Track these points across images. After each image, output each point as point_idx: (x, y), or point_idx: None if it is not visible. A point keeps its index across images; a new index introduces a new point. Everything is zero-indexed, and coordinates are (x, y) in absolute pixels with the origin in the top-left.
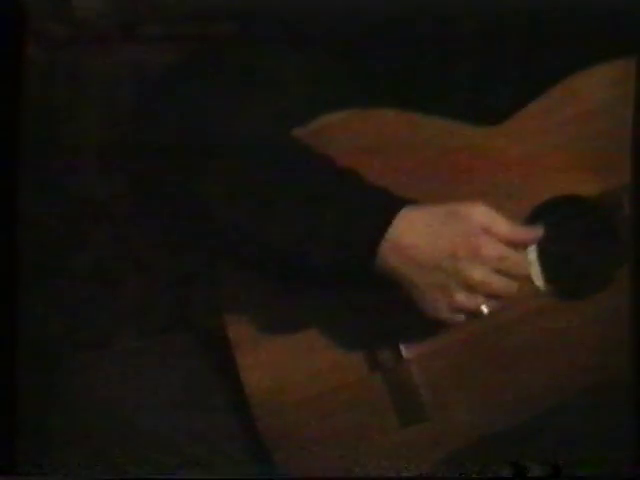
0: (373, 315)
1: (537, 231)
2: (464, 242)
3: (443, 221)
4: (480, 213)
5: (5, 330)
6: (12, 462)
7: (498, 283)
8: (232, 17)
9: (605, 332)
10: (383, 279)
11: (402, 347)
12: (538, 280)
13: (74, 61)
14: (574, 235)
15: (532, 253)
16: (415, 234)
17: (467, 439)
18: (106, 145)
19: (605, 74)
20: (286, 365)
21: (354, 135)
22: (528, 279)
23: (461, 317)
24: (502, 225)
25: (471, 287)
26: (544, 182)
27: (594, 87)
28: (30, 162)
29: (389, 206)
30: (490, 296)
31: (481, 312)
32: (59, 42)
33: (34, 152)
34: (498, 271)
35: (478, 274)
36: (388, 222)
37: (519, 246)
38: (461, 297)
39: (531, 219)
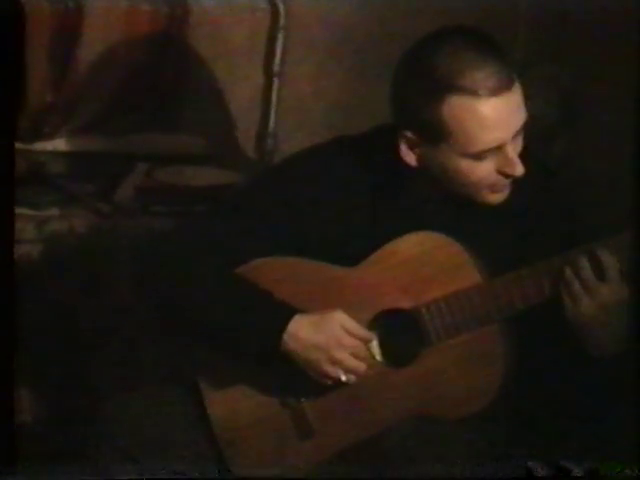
0: (282, 375)
1: (373, 334)
2: (332, 335)
3: (320, 322)
4: (341, 316)
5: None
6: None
7: (352, 362)
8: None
9: (409, 385)
10: (285, 355)
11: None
12: (379, 357)
13: (113, 226)
14: (396, 330)
15: (375, 342)
16: (304, 329)
17: (337, 446)
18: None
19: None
20: (234, 403)
21: (271, 272)
22: (373, 358)
23: (329, 381)
24: (353, 325)
25: (335, 362)
26: (380, 300)
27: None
28: None
29: (288, 313)
30: (347, 370)
31: (340, 379)
32: (105, 215)
33: None
34: (352, 354)
35: (339, 355)
36: (287, 322)
37: (365, 340)
38: (328, 368)
39: (371, 322)
